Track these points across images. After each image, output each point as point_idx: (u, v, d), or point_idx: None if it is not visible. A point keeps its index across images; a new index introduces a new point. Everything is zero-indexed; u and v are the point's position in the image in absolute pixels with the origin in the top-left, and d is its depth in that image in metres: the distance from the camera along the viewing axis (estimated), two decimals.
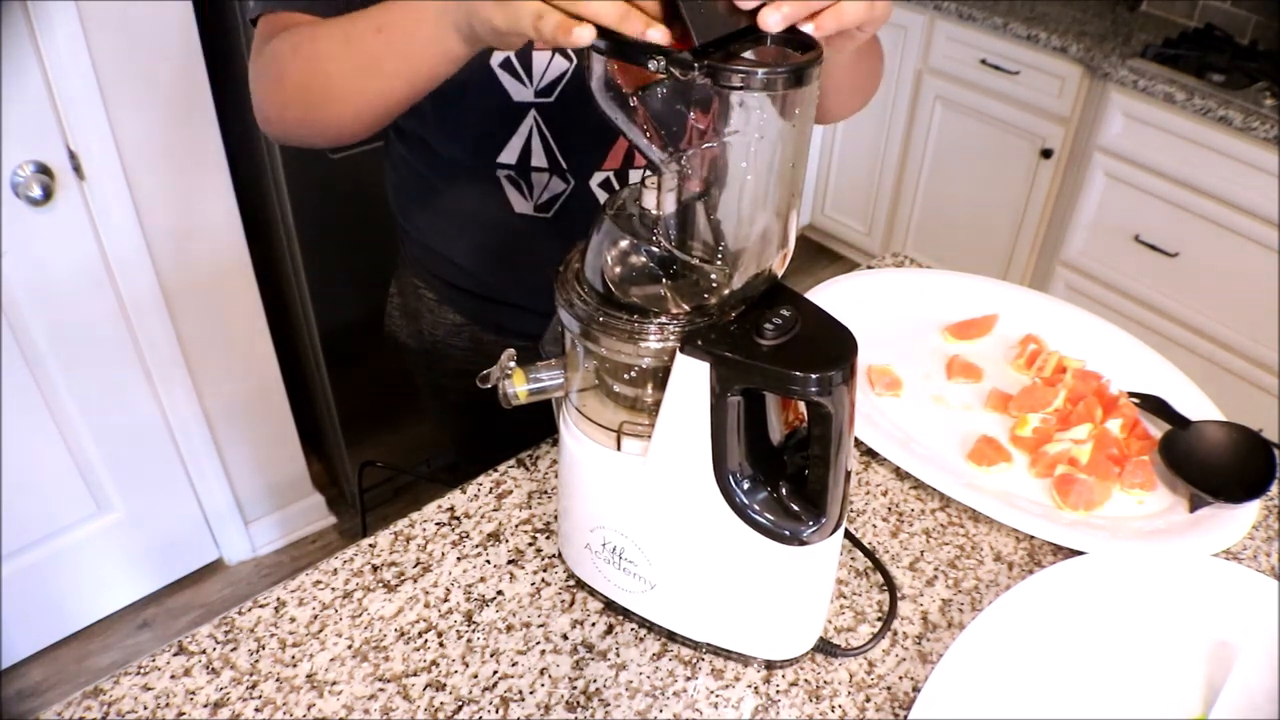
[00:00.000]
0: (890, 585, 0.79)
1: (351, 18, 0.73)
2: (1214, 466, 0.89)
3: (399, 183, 1.04)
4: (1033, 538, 0.85)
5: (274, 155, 1.62)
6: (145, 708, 0.68)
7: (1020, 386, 0.98)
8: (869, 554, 0.81)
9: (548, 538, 0.82)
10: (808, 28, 0.57)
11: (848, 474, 0.66)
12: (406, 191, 1.03)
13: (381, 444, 2.07)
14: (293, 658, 0.72)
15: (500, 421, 0.92)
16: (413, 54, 0.69)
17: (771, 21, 0.56)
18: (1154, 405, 0.97)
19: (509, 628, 0.75)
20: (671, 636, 0.74)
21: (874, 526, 0.85)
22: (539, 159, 0.91)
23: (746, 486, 0.64)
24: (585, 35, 0.55)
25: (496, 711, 0.69)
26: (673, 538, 0.69)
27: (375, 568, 0.79)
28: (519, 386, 0.69)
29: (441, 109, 0.90)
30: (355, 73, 0.73)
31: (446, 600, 0.77)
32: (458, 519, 0.84)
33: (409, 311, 1.12)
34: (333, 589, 0.77)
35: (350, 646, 0.73)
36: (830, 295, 1.07)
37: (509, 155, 0.90)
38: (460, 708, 0.69)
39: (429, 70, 0.70)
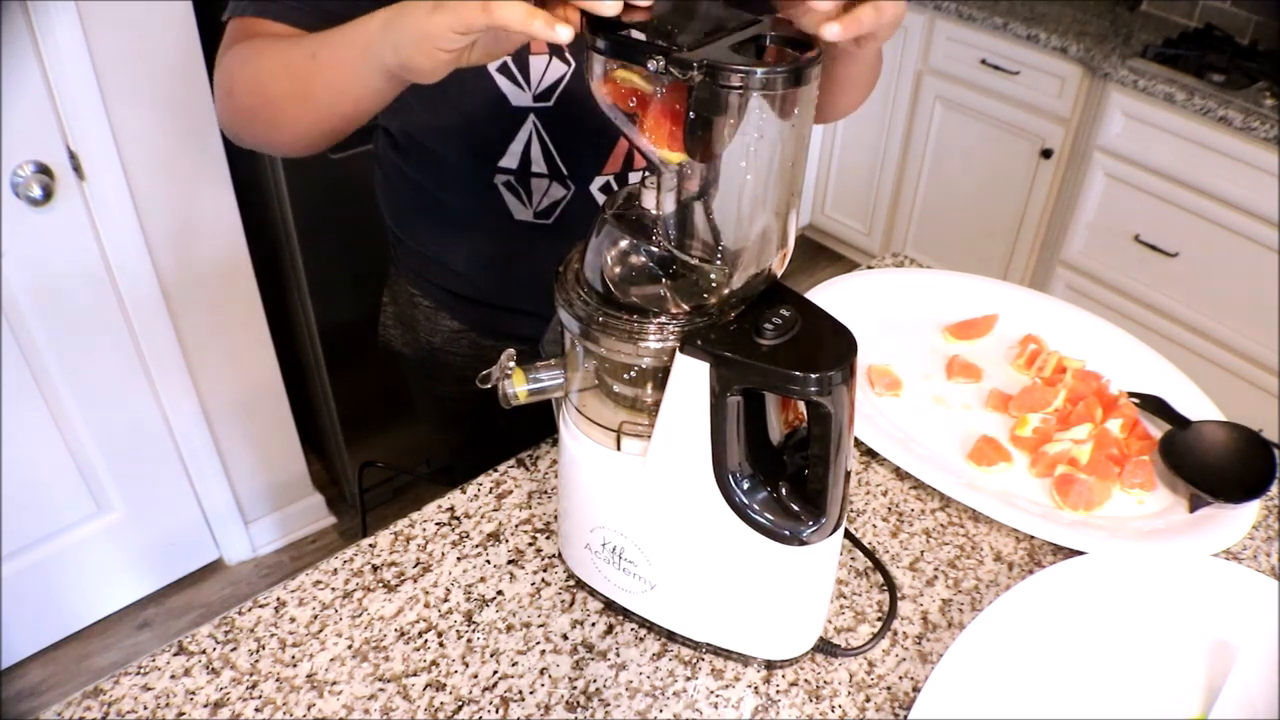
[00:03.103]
0: (890, 585, 0.79)
1: (297, 41, 0.72)
2: (1214, 466, 0.89)
3: (392, 191, 1.03)
4: (1033, 538, 0.85)
5: (274, 156, 1.62)
6: (145, 708, 0.68)
7: (1020, 386, 0.98)
8: (869, 554, 0.81)
9: (548, 538, 0.82)
10: (830, 31, 0.59)
11: (848, 474, 0.66)
12: (401, 199, 1.02)
13: (381, 444, 2.07)
14: (293, 658, 0.72)
15: (498, 428, 0.92)
16: (339, 85, 0.69)
17: (831, 33, 0.59)
18: (1154, 405, 0.97)
19: (509, 628, 0.75)
20: (671, 636, 0.74)
21: (874, 526, 0.85)
22: (539, 165, 0.90)
23: (746, 486, 0.64)
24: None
25: (496, 711, 0.69)
26: (673, 538, 0.69)
27: (375, 568, 0.79)
28: (519, 387, 0.69)
29: (440, 114, 0.90)
30: (291, 99, 0.73)
31: (446, 600, 0.77)
32: (458, 519, 0.84)
33: (404, 319, 1.11)
34: (333, 589, 0.77)
35: (350, 646, 0.73)
36: (830, 295, 1.07)
37: (509, 161, 0.90)
38: (460, 708, 0.69)
39: (353, 102, 0.70)
